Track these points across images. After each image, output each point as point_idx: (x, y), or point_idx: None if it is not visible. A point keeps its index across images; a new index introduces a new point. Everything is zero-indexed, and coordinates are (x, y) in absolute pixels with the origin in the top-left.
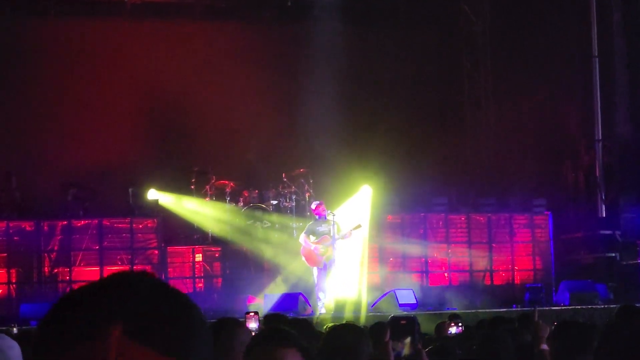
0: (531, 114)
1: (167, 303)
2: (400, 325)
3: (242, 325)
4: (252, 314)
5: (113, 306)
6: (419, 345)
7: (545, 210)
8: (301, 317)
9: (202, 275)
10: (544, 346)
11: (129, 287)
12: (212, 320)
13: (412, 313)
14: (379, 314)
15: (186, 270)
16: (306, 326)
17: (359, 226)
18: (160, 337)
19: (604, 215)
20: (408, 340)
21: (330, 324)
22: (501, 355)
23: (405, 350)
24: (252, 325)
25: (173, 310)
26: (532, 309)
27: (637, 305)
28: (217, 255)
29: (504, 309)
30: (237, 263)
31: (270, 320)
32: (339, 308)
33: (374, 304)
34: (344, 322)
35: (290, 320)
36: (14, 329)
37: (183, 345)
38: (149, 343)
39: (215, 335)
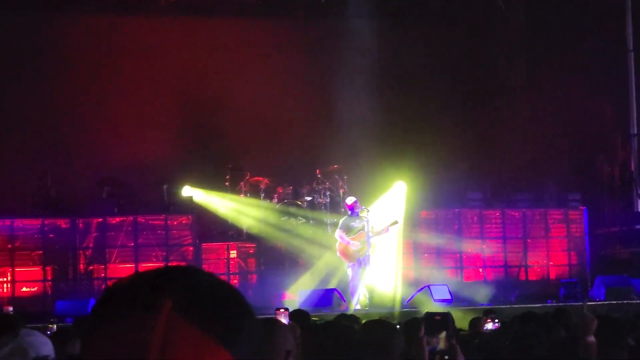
0: (566, 108)
1: (220, 290)
2: (435, 321)
3: (281, 325)
4: (282, 310)
5: (167, 284)
6: (453, 341)
7: (580, 205)
8: (335, 312)
9: (237, 271)
10: (591, 338)
11: (184, 271)
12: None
13: (447, 308)
14: (413, 309)
15: (221, 267)
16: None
17: (395, 222)
18: (208, 319)
19: None
20: (443, 335)
21: (363, 321)
22: (534, 351)
23: (440, 345)
24: (282, 321)
25: (225, 298)
26: (571, 302)
27: None
28: (251, 251)
29: (539, 305)
30: (271, 259)
31: (296, 318)
32: (374, 304)
33: (408, 300)
34: (377, 318)
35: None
36: (54, 325)
37: (230, 331)
38: (197, 322)
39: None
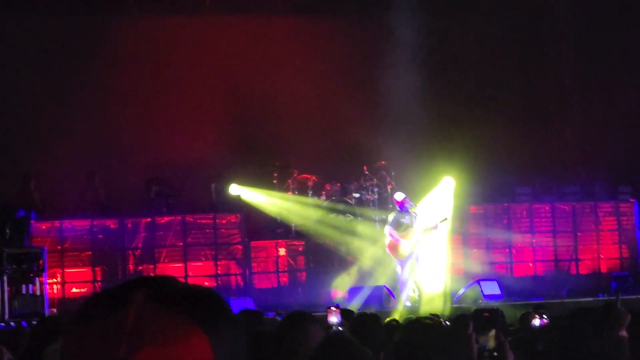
0: (616, 101)
1: (195, 287)
2: (484, 318)
3: (315, 321)
4: (333, 308)
5: (140, 282)
6: (502, 338)
7: (631, 197)
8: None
9: (286, 269)
10: (623, 332)
11: (160, 275)
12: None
13: (497, 304)
14: (463, 305)
15: (270, 265)
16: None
17: (445, 219)
18: (183, 305)
19: None
20: (492, 333)
21: (414, 317)
22: (582, 347)
23: (490, 343)
24: (334, 319)
25: (200, 291)
26: (615, 297)
27: None
28: (300, 249)
29: (591, 298)
30: (320, 256)
31: (345, 316)
32: (424, 300)
33: (458, 296)
34: (429, 314)
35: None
36: None
37: (207, 316)
38: (171, 307)
39: (286, 329)
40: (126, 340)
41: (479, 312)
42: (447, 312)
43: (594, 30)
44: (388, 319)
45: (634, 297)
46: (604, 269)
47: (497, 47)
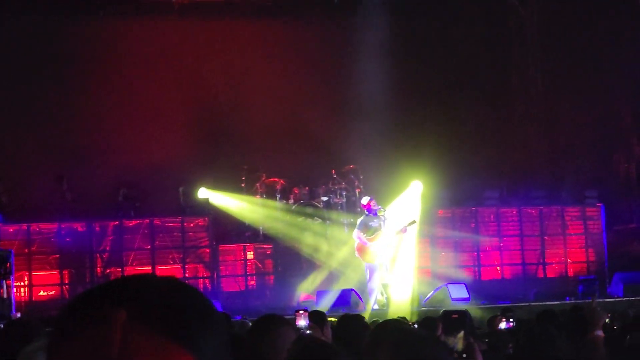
0: (582, 105)
1: (176, 293)
2: (452, 319)
3: (287, 323)
4: (301, 311)
5: (118, 294)
6: (471, 339)
7: (597, 201)
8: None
9: (254, 272)
10: (599, 332)
11: (138, 279)
12: (255, 319)
13: (465, 307)
14: (431, 308)
15: (238, 268)
16: (355, 322)
17: (413, 222)
18: (166, 323)
19: None
20: (461, 334)
21: (381, 320)
22: (548, 349)
23: (459, 345)
24: (302, 322)
25: (181, 300)
26: (589, 299)
27: None
28: (268, 252)
29: (558, 302)
30: (288, 260)
31: (314, 318)
32: (392, 303)
33: (426, 299)
34: (395, 317)
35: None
36: None
37: (190, 333)
38: (154, 328)
39: (259, 332)
40: None
41: (447, 314)
42: (414, 315)
43: (560, 34)
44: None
45: (601, 300)
46: (570, 273)
47: (464, 51)
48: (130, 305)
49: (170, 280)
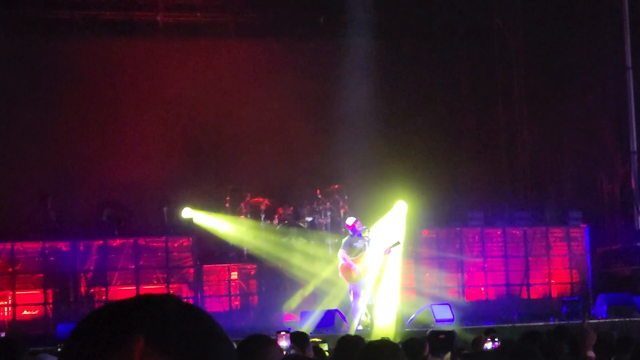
0: (566, 126)
1: (190, 318)
2: (439, 340)
3: (274, 343)
4: (283, 332)
5: (135, 320)
6: (458, 359)
7: (582, 222)
8: (339, 333)
9: (238, 293)
10: (591, 353)
11: (152, 303)
12: (241, 338)
13: (449, 328)
14: (415, 329)
15: (222, 289)
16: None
17: (397, 243)
18: (181, 349)
19: None
20: (448, 355)
21: (366, 341)
22: None
23: None
24: (284, 343)
25: (195, 325)
26: (573, 319)
27: None
28: (252, 272)
29: (542, 323)
30: (272, 280)
31: (297, 339)
32: (376, 324)
33: (410, 320)
34: (379, 338)
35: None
36: (59, 349)
37: (205, 358)
38: (170, 354)
39: (245, 353)
40: None
41: (434, 334)
42: (399, 336)
43: (543, 55)
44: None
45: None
46: (554, 294)
47: (448, 71)
48: (146, 330)
49: (182, 304)
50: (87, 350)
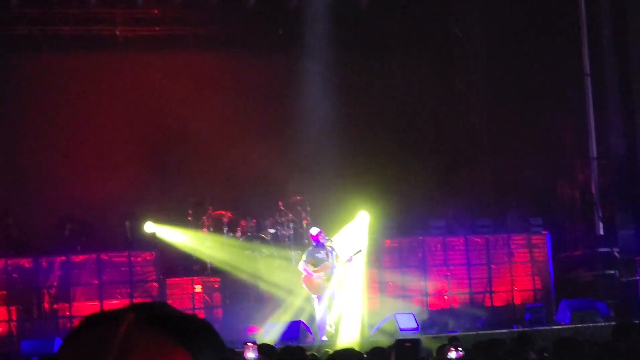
0: (526, 133)
1: (184, 313)
2: (405, 348)
3: (239, 355)
4: (250, 344)
5: (132, 305)
6: None
7: (543, 229)
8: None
9: (202, 306)
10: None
11: (150, 302)
12: None
13: (413, 337)
14: (380, 339)
15: (186, 302)
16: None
17: (359, 251)
18: (169, 326)
19: (602, 232)
20: None
21: (331, 351)
22: None
23: None
24: (251, 355)
25: (185, 314)
26: (537, 326)
27: (636, 322)
28: (216, 285)
29: (505, 330)
30: (236, 293)
31: (264, 351)
32: (340, 335)
33: (374, 329)
34: (344, 348)
35: (285, 349)
36: None
37: (191, 337)
38: (158, 328)
39: None
40: (114, 354)
41: (400, 343)
42: (363, 346)
43: (503, 64)
44: (309, 354)
45: (548, 328)
46: (517, 301)
47: (407, 82)
48: (139, 310)
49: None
50: (82, 326)
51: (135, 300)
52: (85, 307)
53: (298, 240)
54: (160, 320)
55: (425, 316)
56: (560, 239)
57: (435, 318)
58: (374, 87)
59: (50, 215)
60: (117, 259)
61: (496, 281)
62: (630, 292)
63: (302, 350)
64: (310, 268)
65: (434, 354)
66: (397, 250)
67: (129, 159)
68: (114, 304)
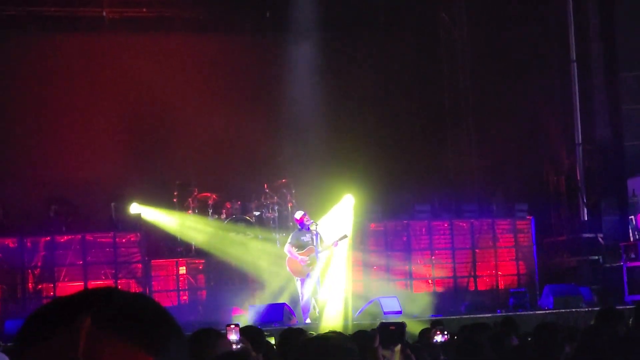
0: (511, 118)
1: (141, 304)
2: (390, 331)
3: (223, 336)
4: (232, 326)
5: (85, 302)
6: (408, 350)
7: (528, 214)
8: (285, 327)
9: (187, 287)
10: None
11: (104, 290)
12: (192, 332)
13: (397, 320)
14: (363, 322)
15: (170, 283)
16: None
17: (345, 236)
18: (129, 329)
19: (586, 218)
20: (398, 347)
21: (314, 333)
22: None
23: (396, 358)
24: (233, 337)
25: (143, 309)
26: (520, 311)
27: (618, 308)
28: (200, 267)
29: (489, 314)
30: (221, 275)
31: (248, 333)
32: (324, 317)
33: (358, 312)
34: (328, 330)
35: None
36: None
37: (152, 339)
38: (117, 333)
39: (195, 346)
40: None
41: (385, 326)
42: (347, 329)
43: (489, 49)
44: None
45: (531, 312)
46: (501, 286)
47: (394, 66)
48: (95, 311)
49: (134, 294)
50: (35, 331)
51: (118, 282)
52: (70, 287)
53: (283, 223)
54: (119, 324)
55: (409, 300)
56: (545, 224)
57: (419, 302)
58: (361, 70)
59: (35, 195)
60: (102, 239)
61: (480, 265)
62: (613, 278)
63: (302, 331)
64: (295, 251)
65: (417, 337)
66: (382, 234)
67: (115, 140)
68: (98, 284)
